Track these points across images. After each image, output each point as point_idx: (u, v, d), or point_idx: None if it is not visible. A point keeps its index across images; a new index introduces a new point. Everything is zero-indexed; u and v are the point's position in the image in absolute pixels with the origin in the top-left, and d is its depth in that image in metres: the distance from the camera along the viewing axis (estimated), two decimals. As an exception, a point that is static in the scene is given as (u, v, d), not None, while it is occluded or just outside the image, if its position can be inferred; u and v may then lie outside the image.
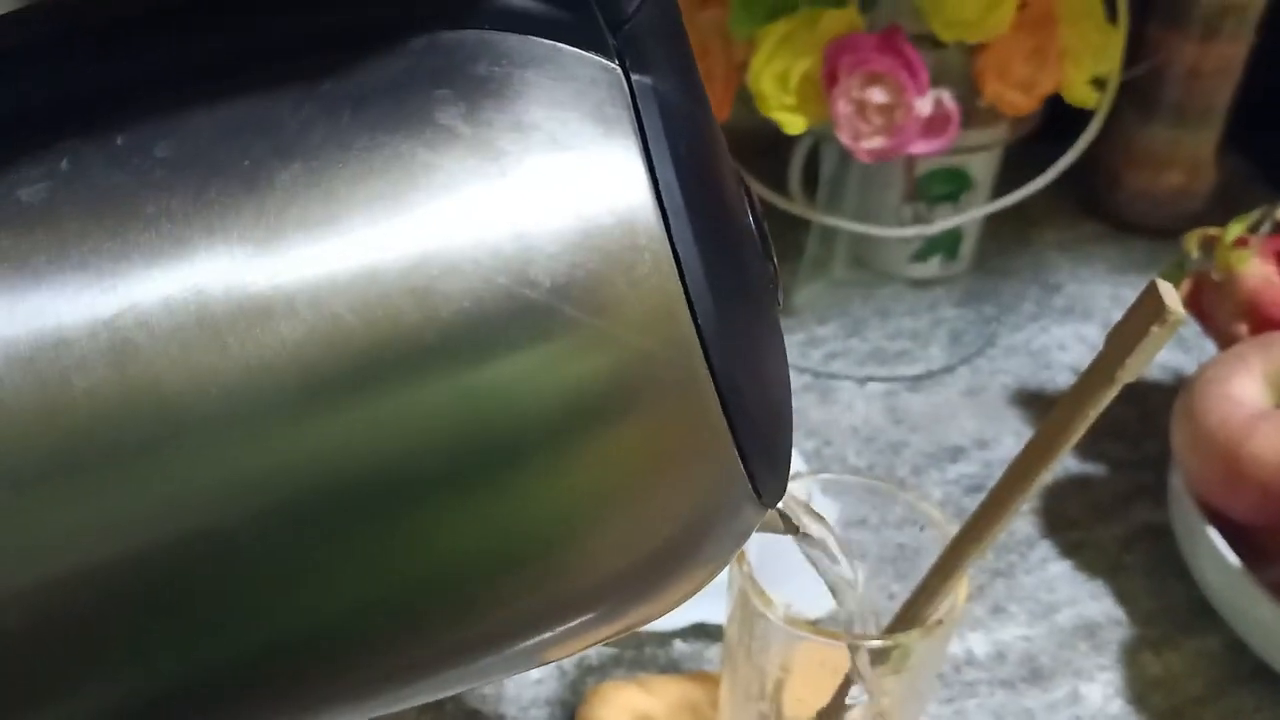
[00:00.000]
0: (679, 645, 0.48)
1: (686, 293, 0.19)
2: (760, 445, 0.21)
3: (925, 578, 0.34)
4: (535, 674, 0.46)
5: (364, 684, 0.21)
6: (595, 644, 0.23)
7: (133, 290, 0.17)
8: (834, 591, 0.32)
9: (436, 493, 0.18)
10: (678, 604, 0.23)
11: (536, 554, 0.20)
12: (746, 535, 0.23)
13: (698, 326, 0.19)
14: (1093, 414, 0.29)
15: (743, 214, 0.22)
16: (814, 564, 0.32)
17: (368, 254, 0.17)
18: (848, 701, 0.34)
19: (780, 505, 0.28)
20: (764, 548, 0.37)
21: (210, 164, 0.17)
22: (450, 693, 0.23)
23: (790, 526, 0.30)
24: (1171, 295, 0.27)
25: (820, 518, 0.30)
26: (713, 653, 0.48)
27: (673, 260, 0.18)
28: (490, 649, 0.21)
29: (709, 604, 0.37)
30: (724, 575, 0.35)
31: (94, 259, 0.17)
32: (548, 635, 0.21)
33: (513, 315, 0.18)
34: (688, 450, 0.20)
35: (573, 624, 0.21)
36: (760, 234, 0.23)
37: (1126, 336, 0.28)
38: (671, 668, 0.47)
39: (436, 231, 0.18)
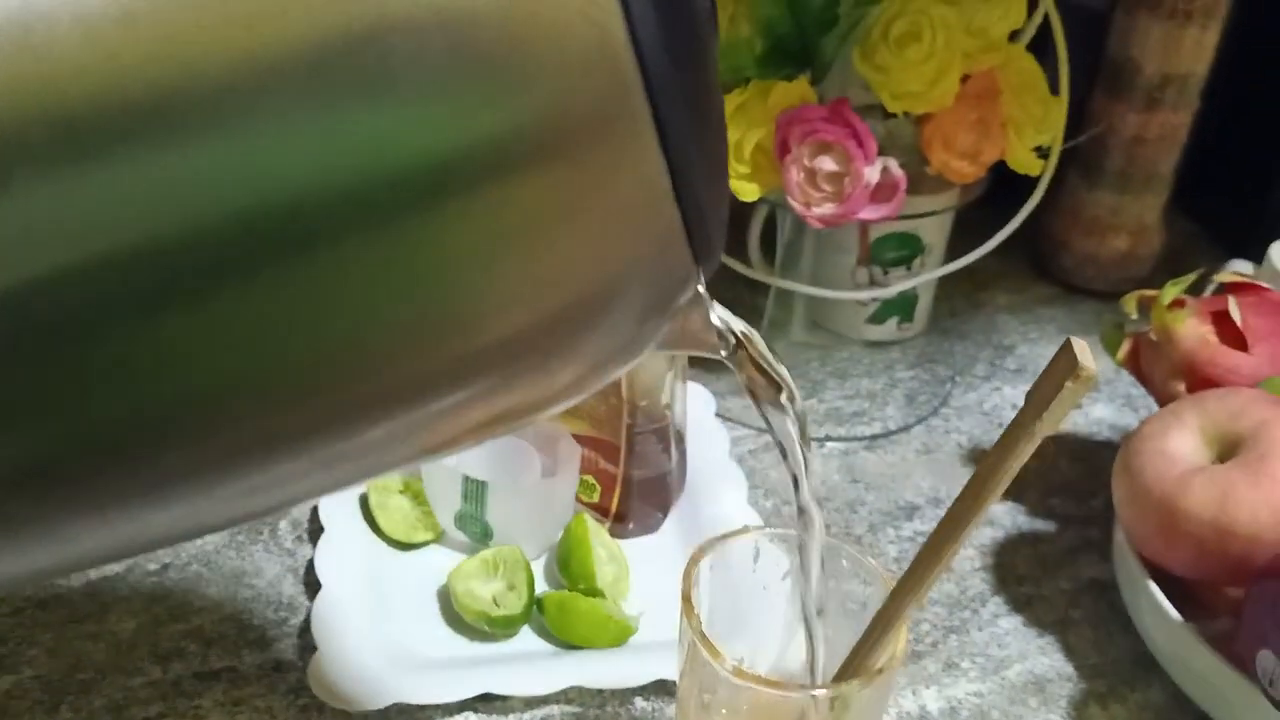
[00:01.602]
0: (640, 702, 0.48)
1: (631, 28, 0.18)
2: (698, 203, 0.21)
3: (868, 628, 0.35)
4: (495, 732, 0.46)
5: (297, 432, 0.20)
6: (525, 417, 0.23)
7: None
8: (783, 451, 0.32)
9: (369, 221, 0.18)
10: (613, 367, 0.23)
11: (469, 286, 0.19)
12: (677, 298, 0.23)
13: (643, 68, 0.19)
14: (1015, 466, 0.30)
15: None
16: (763, 413, 0.31)
17: None
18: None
19: (741, 332, 0.28)
20: (715, 604, 0.38)
21: None
22: (376, 468, 0.22)
23: (745, 357, 0.29)
24: (1085, 353, 0.29)
25: (779, 366, 0.30)
26: (672, 710, 0.48)
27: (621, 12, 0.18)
28: (420, 396, 0.21)
29: (670, 661, 0.37)
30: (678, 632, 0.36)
31: None
32: (477, 382, 0.21)
33: (448, 49, 0.18)
34: (625, 193, 0.20)
35: (482, 381, 0.21)
36: None
37: (1044, 392, 0.29)
38: (630, 724, 0.48)
39: None
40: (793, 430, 0.32)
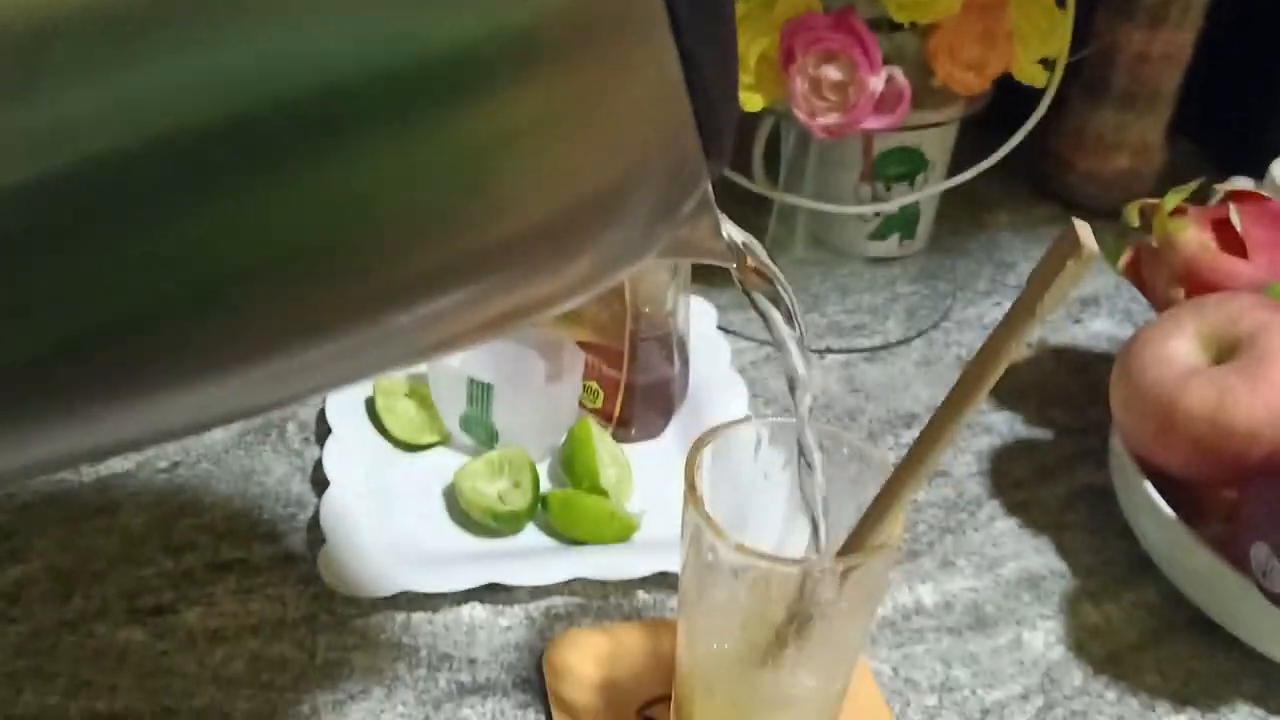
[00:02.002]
0: (642, 595, 0.49)
1: None
2: (709, 96, 0.21)
3: (868, 509, 0.35)
4: (505, 621, 0.47)
5: (325, 318, 0.21)
6: (537, 311, 0.23)
7: None
8: (781, 346, 0.33)
9: (397, 110, 0.19)
10: (624, 263, 0.23)
11: (492, 175, 0.20)
12: (689, 193, 0.24)
13: None
14: (1016, 348, 0.31)
15: None
16: (763, 315, 0.32)
17: None
18: (794, 626, 0.36)
19: (742, 242, 0.29)
20: (716, 494, 0.39)
21: None
22: (398, 358, 0.23)
23: (748, 265, 0.30)
24: (1087, 234, 0.29)
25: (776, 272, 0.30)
26: (674, 602, 0.49)
27: None
28: (441, 286, 0.21)
29: (673, 556, 0.38)
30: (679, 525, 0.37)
31: None
32: (495, 274, 0.22)
33: None
34: (640, 83, 0.20)
35: (498, 273, 0.22)
36: None
37: (1046, 272, 0.30)
38: (635, 616, 0.49)
39: None
40: (790, 337, 0.33)
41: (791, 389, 0.35)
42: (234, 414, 0.23)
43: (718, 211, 0.27)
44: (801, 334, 0.33)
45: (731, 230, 0.30)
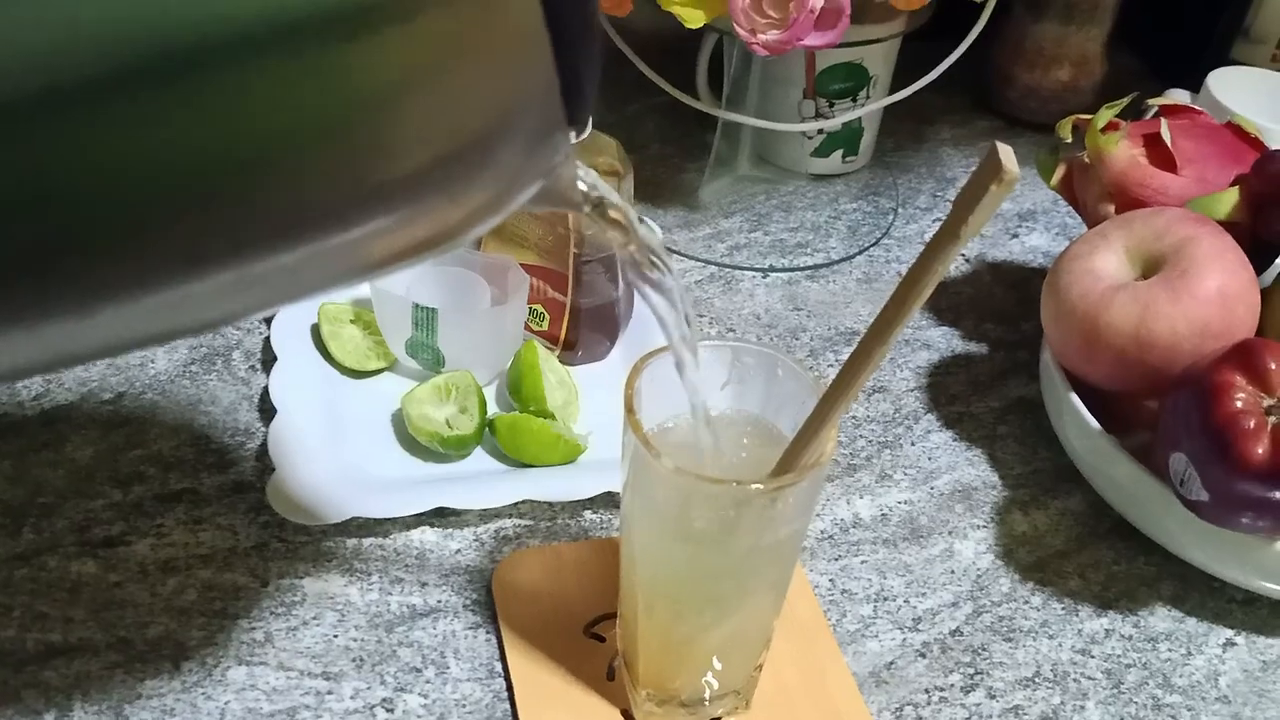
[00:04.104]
0: (589, 515, 0.51)
1: None
2: (575, 59, 0.23)
3: (801, 428, 0.37)
4: (455, 544, 0.48)
5: (223, 247, 0.22)
6: (403, 258, 0.25)
7: None
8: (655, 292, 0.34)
9: (258, 61, 0.20)
10: (480, 218, 0.25)
11: (348, 129, 0.21)
12: (551, 152, 0.25)
13: None
14: (941, 269, 0.32)
15: None
16: (651, 307, 0.34)
17: None
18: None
19: (587, 186, 0.30)
20: (656, 416, 0.40)
21: None
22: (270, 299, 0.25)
23: (594, 206, 0.31)
24: (1009, 157, 0.30)
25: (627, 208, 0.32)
26: (619, 521, 0.51)
27: None
28: (324, 223, 0.23)
29: (616, 475, 0.39)
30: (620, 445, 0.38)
31: None
32: (357, 228, 0.23)
33: None
34: (502, 44, 0.22)
35: (381, 216, 0.23)
36: None
37: (969, 196, 0.30)
38: (583, 535, 0.50)
39: None
40: (662, 281, 0.34)
41: (679, 371, 0.36)
42: (158, 337, 0.25)
43: (577, 165, 0.29)
44: (687, 316, 0.35)
45: (595, 182, 0.31)
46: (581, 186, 0.31)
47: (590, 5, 0.25)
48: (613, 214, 0.32)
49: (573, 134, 0.26)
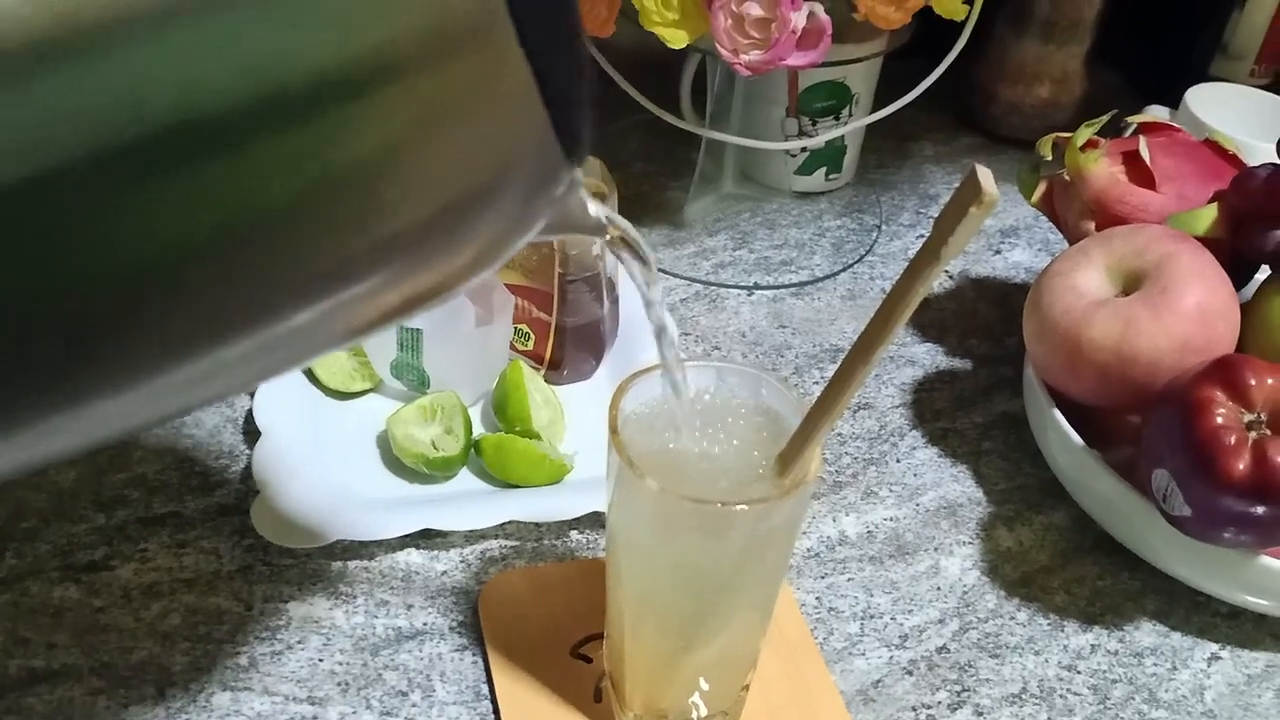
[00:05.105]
0: (575, 535, 0.51)
1: None
2: (565, 100, 0.24)
3: (786, 446, 0.37)
4: (441, 566, 0.48)
5: (232, 318, 0.22)
6: (419, 304, 0.25)
7: None
8: (644, 292, 0.35)
9: (262, 130, 0.20)
10: (486, 260, 0.26)
11: (353, 188, 0.22)
12: (553, 189, 0.26)
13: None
14: (922, 290, 0.32)
15: None
16: (622, 262, 0.34)
17: None
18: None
19: (605, 217, 0.31)
20: (639, 431, 0.40)
21: None
22: (290, 356, 0.25)
23: (601, 229, 0.32)
24: (988, 179, 0.30)
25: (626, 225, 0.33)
26: (605, 541, 0.51)
27: None
28: (333, 283, 0.23)
29: (603, 495, 0.39)
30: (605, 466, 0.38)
31: None
32: (369, 278, 0.23)
33: None
34: (493, 97, 0.22)
35: (392, 265, 0.23)
36: None
37: (949, 218, 0.31)
38: (569, 556, 0.50)
39: None
40: (655, 295, 0.35)
41: (658, 338, 0.37)
42: (164, 415, 0.24)
43: (583, 193, 0.30)
44: (658, 293, 0.36)
45: (595, 209, 0.32)
46: (593, 211, 0.31)
47: (576, 46, 0.25)
48: (617, 233, 0.33)
49: (574, 169, 0.27)
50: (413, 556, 0.49)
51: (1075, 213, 0.56)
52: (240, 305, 0.22)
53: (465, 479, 0.53)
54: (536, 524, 0.51)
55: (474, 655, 0.45)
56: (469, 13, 0.22)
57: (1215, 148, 0.57)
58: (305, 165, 0.21)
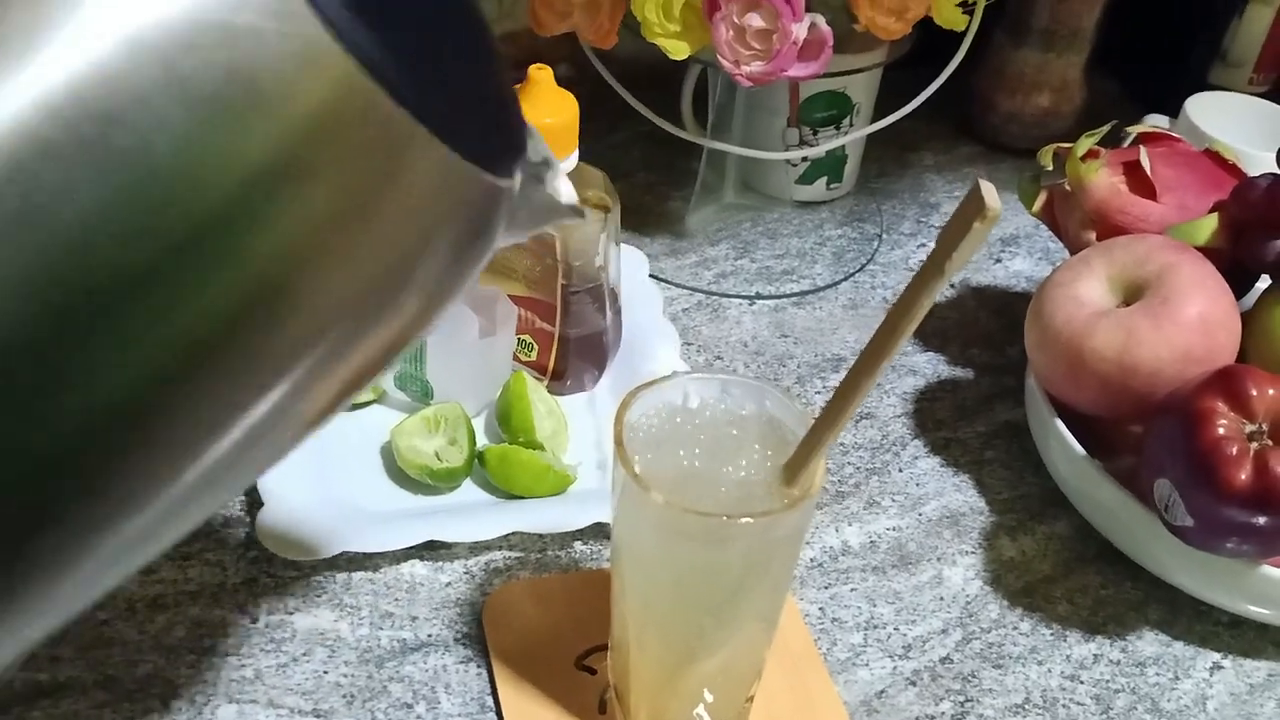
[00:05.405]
0: (579, 546, 0.51)
1: (332, 28, 0.20)
2: (457, 126, 0.23)
3: (790, 458, 0.37)
4: (445, 577, 0.48)
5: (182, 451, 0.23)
6: (399, 348, 0.26)
7: None
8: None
9: (168, 264, 0.20)
10: (440, 302, 0.26)
11: (276, 303, 0.22)
12: (493, 209, 0.26)
13: (360, 59, 0.21)
14: (927, 303, 0.32)
15: None
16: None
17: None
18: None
19: (566, 197, 0.31)
20: (644, 443, 0.40)
21: None
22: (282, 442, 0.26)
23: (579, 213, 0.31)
24: (991, 194, 0.30)
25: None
26: (609, 551, 0.51)
27: (308, 8, 0.20)
28: (292, 366, 0.23)
29: (608, 506, 0.40)
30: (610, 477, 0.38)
31: None
32: (331, 347, 0.24)
33: (173, 100, 0.19)
34: (397, 164, 0.22)
35: (381, 319, 0.24)
36: None
37: (953, 232, 0.31)
38: (573, 567, 0.50)
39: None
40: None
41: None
42: (182, 528, 0.26)
43: (556, 183, 0.30)
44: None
45: (562, 190, 0.31)
46: (563, 200, 0.30)
47: (442, 59, 0.25)
48: (592, 196, 0.32)
49: (509, 176, 0.26)
50: (417, 568, 0.49)
51: (1076, 223, 0.57)
52: (202, 437, 0.23)
53: (469, 490, 0.53)
54: (540, 535, 0.51)
55: (478, 667, 0.45)
56: (338, 109, 0.21)
57: (1215, 158, 0.57)
58: (213, 305, 0.21)
